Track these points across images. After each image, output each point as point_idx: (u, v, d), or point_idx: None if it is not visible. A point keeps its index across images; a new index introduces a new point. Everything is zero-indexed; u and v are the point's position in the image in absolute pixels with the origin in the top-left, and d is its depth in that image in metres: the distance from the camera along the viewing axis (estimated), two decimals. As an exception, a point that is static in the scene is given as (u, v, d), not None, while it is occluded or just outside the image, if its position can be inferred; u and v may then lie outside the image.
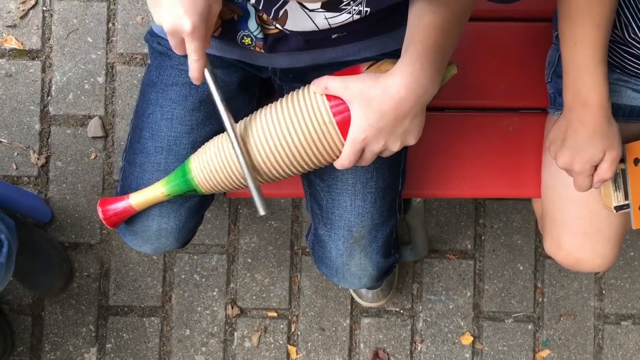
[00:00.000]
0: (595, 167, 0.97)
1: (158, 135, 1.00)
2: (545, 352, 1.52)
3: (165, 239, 1.03)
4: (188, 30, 0.81)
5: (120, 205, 0.98)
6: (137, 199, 0.97)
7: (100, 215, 0.98)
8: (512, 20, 1.19)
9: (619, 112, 1.03)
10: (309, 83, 0.90)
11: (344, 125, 0.87)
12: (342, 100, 0.86)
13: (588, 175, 0.97)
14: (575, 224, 1.07)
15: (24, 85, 1.52)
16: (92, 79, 1.52)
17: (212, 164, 0.93)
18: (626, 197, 1.01)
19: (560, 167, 0.99)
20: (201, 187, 0.95)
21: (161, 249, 1.04)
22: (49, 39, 1.53)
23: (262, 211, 0.89)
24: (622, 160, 1.00)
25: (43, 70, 1.53)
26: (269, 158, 0.90)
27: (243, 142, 0.90)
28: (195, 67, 0.85)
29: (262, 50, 0.95)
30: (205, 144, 0.96)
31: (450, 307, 1.52)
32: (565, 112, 0.98)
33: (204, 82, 0.89)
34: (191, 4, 0.81)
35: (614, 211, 1.02)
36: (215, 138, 0.95)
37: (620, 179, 1.01)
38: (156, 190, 0.97)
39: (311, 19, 0.88)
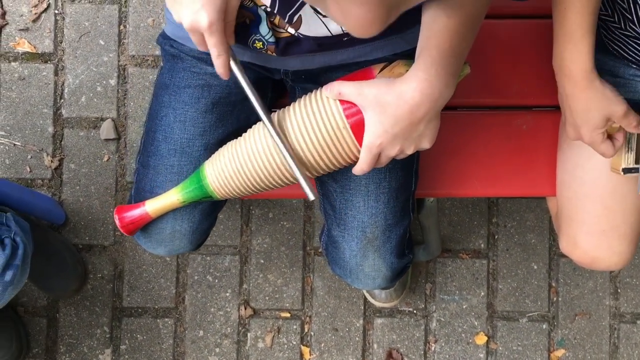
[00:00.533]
0: (606, 132, 0.96)
1: (171, 138, 1.00)
2: (560, 352, 1.51)
3: (179, 241, 1.03)
4: (205, 25, 0.81)
5: (136, 212, 0.98)
6: (153, 206, 0.98)
7: (118, 224, 0.98)
8: (525, 17, 1.19)
9: (636, 109, 1.02)
10: (322, 84, 0.89)
11: (357, 129, 0.86)
12: (353, 103, 0.86)
13: (602, 142, 0.96)
14: (592, 222, 1.06)
15: (37, 88, 1.53)
16: (104, 82, 1.53)
17: (228, 170, 0.92)
18: (637, 162, 0.99)
19: (571, 140, 0.99)
20: (217, 194, 0.95)
21: (175, 251, 1.05)
22: (61, 42, 1.53)
23: (311, 196, 0.86)
24: None
25: (56, 73, 1.53)
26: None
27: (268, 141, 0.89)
28: (218, 63, 0.84)
29: (274, 54, 0.95)
30: (219, 149, 0.95)
31: (464, 306, 1.51)
32: (559, 88, 0.98)
33: (218, 84, 0.88)
34: None
35: (622, 173, 1.00)
36: (229, 144, 0.94)
37: (633, 141, 0.99)
38: (172, 197, 0.97)
39: (325, 25, 0.87)
